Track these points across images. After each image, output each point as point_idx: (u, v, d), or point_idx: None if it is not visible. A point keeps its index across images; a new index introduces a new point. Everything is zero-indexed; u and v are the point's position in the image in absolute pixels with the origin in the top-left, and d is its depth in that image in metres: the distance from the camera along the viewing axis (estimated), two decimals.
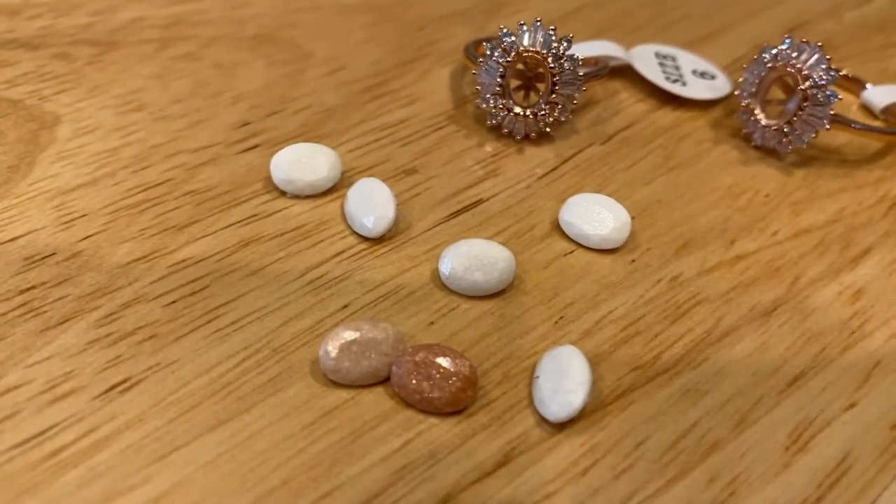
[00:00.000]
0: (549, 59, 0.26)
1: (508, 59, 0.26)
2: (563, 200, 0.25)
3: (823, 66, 0.26)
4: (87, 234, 0.23)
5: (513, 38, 0.26)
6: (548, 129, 0.27)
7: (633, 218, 0.25)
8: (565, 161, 0.27)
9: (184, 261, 0.22)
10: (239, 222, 0.24)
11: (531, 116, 0.26)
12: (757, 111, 0.28)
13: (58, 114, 0.26)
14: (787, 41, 0.27)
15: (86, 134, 0.26)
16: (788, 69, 0.27)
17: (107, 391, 0.19)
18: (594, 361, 0.21)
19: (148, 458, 0.18)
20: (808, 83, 0.26)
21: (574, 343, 0.21)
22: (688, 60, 0.31)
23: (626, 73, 0.30)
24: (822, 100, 0.26)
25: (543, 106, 0.26)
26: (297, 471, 0.18)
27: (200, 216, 0.24)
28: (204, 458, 0.19)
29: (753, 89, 0.28)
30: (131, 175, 0.25)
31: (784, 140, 0.27)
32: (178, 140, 0.26)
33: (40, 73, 0.28)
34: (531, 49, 0.26)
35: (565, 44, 0.26)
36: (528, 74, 0.27)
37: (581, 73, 0.26)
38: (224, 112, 0.27)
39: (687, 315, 0.23)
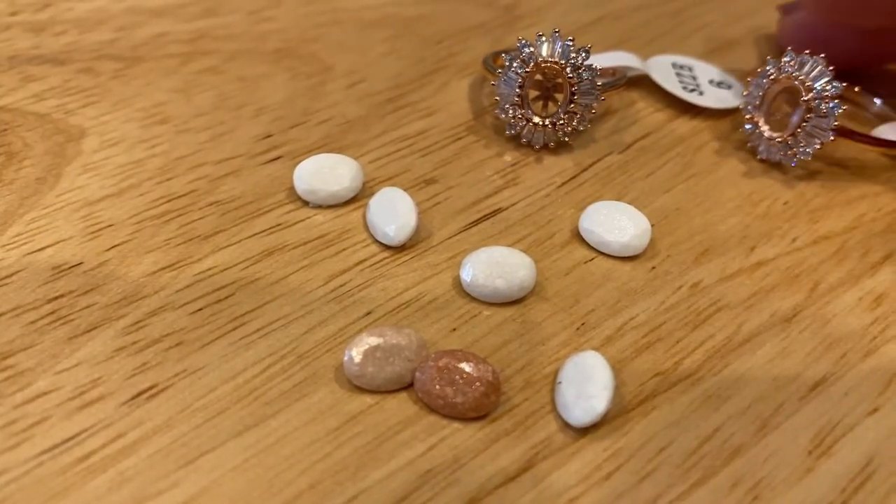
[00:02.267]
0: (568, 70, 0.26)
1: (527, 69, 0.26)
2: (583, 209, 0.25)
3: (826, 78, 0.26)
4: (114, 244, 0.23)
5: (531, 49, 0.26)
6: (566, 139, 0.27)
7: (652, 225, 0.25)
8: (584, 170, 0.27)
9: (209, 269, 0.23)
10: (263, 232, 0.24)
11: (550, 126, 0.27)
12: (761, 123, 0.28)
13: (83, 127, 0.27)
14: (790, 54, 0.27)
15: (111, 146, 0.26)
16: (792, 81, 0.26)
17: (134, 397, 0.20)
18: (616, 367, 0.21)
19: (175, 463, 0.19)
20: (811, 94, 0.26)
21: (596, 349, 0.22)
22: (704, 70, 0.31)
23: (643, 83, 0.31)
24: (825, 111, 0.26)
25: (562, 116, 0.27)
26: (323, 475, 0.19)
27: (225, 226, 0.24)
28: (231, 462, 0.19)
29: (757, 102, 0.28)
30: (156, 186, 0.25)
31: (789, 153, 0.27)
32: (201, 152, 0.26)
33: (66, 87, 0.28)
34: (550, 60, 0.26)
35: (583, 54, 0.26)
36: (547, 85, 0.27)
37: (599, 84, 0.26)
38: (247, 124, 0.27)
39: (708, 321, 0.23)
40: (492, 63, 0.29)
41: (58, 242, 0.23)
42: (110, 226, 0.24)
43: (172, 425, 0.19)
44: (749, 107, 0.28)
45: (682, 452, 0.20)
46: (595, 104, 0.27)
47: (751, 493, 0.19)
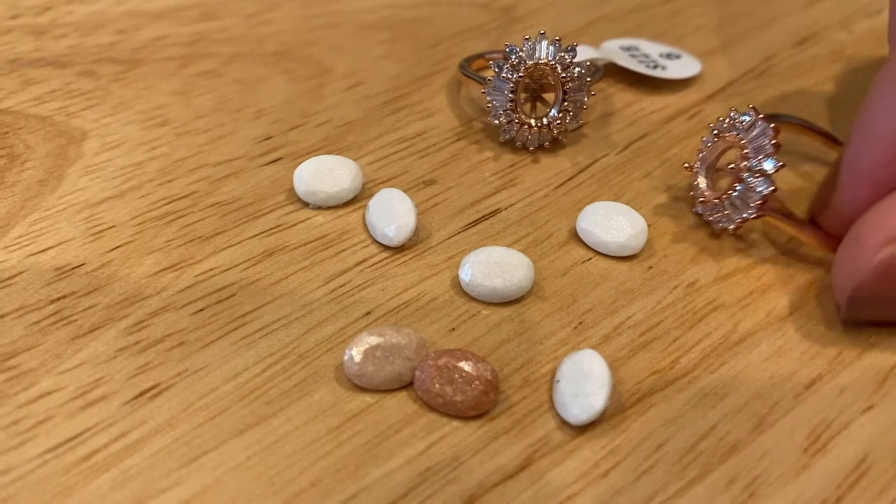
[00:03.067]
0: (559, 69, 0.26)
1: (520, 74, 0.26)
2: (580, 209, 0.25)
3: (768, 150, 0.23)
4: (116, 245, 0.23)
5: (521, 54, 0.26)
6: (560, 138, 0.27)
7: (649, 225, 0.25)
8: (581, 171, 0.27)
9: (210, 270, 0.23)
10: (263, 233, 0.24)
11: (545, 127, 0.27)
12: (699, 179, 0.25)
13: (85, 129, 0.27)
14: (749, 113, 0.24)
15: (112, 148, 0.26)
16: (736, 142, 0.24)
17: (137, 397, 0.20)
18: (613, 366, 0.22)
19: (178, 461, 0.19)
20: (744, 163, 0.24)
21: (593, 348, 0.22)
22: (649, 47, 0.32)
23: (641, 84, 0.31)
24: (752, 184, 0.23)
25: (556, 115, 0.27)
26: (324, 473, 0.19)
27: (225, 227, 0.24)
28: (232, 461, 0.19)
29: (702, 154, 0.25)
30: (157, 188, 0.25)
31: (716, 216, 0.25)
32: (201, 154, 0.26)
33: (67, 90, 0.28)
34: (540, 62, 0.26)
35: (571, 53, 0.26)
36: (534, 86, 0.27)
37: (588, 79, 0.27)
38: (246, 126, 0.28)
39: (704, 320, 0.23)
40: (468, 67, 0.29)
41: (60, 244, 0.23)
42: (112, 227, 0.24)
43: (174, 424, 0.19)
44: (698, 157, 0.26)
45: (678, 450, 0.20)
46: (586, 99, 0.27)
47: (747, 489, 0.19)
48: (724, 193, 0.24)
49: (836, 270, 0.22)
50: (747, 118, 0.24)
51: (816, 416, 0.21)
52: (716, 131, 0.25)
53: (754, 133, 0.24)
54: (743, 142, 0.24)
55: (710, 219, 0.25)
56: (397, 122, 0.28)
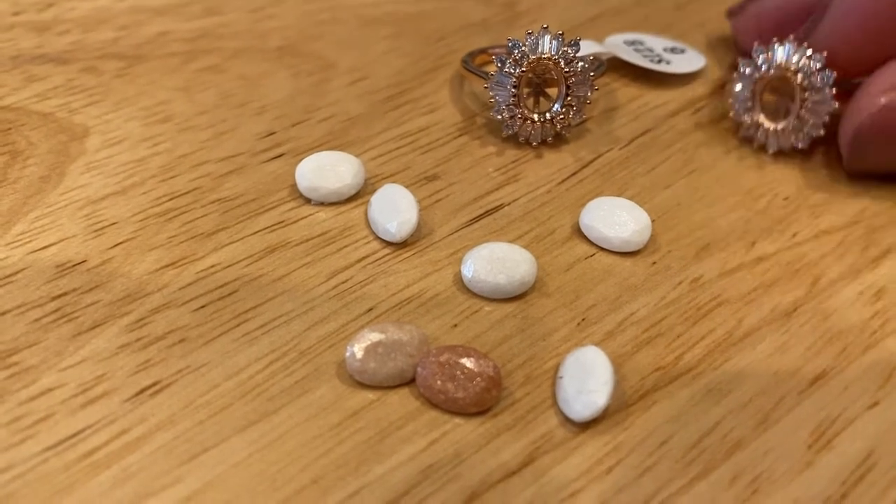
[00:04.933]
0: (562, 63, 0.26)
1: (522, 69, 0.26)
2: (584, 204, 0.25)
3: (805, 55, 0.26)
4: (117, 242, 0.23)
5: (523, 48, 0.26)
6: (564, 133, 0.27)
7: (653, 221, 0.25)
8: (585, 166, 0.27)
9: (212, 267, 0.23)
10: (265, 229, 0.24)
11: (548, 121, 0.27)
12: (762, 121, 0.28)
13: (87, 126, 0.27)
14: (760, 49, 0.27)
15: (114, 145, 0.26)
16: (779, 73, 0.27)
17: (138, 394, 0.20)
18: (617, 362, 0.21)
19: (179, 458, 0.19)
20: (799, 76, 0.26)
21: (596, 344, 0.22)
22: (653, 41, 0.32)
23: (646, 79, 0.31)
24: (819, 85, 0.26)
25: (560, 109, 0.27)
26: (326, 470, 0.19)
27: (227, 223, 0.24)
28: (234, 458, 0.19)
29: (749, 103, 0.28)
30: (159, 184, 0.25)
31: (799, 135, 0.27)
32: (204, 150, 0.26)
33: (69, 86, 0.28)
34: (543, 56, 0.26)
35: (574, 47, 0.26)
36: (537, 81, 0.27)
37: (591, 74, 0.27)
38: (249, 122, 0.28)
39: (708, 316, 0.23)
40: (470, 62, 0.29)
41: (62, 240, 0.23)
42: (114, 224, 0.24)
43: (176, 421, 0.19)
44: (741, 111, 0.28)
45: (682, 446, 0.20)
46: (590, 94, 0.27)
47: (751, 486, 0.19)
48: (799, 111, 0.27)
49: (843, 123, 0.26)
50: (761, 52, 0.27)
51: (821, 412, 0.21)
52: (755, 74, 0.27)
53: (780, 53, 0.27)
54: (782, 65, 0.27)
55: (794, 143, 0.27)
56: (400, 118, 0.28)
